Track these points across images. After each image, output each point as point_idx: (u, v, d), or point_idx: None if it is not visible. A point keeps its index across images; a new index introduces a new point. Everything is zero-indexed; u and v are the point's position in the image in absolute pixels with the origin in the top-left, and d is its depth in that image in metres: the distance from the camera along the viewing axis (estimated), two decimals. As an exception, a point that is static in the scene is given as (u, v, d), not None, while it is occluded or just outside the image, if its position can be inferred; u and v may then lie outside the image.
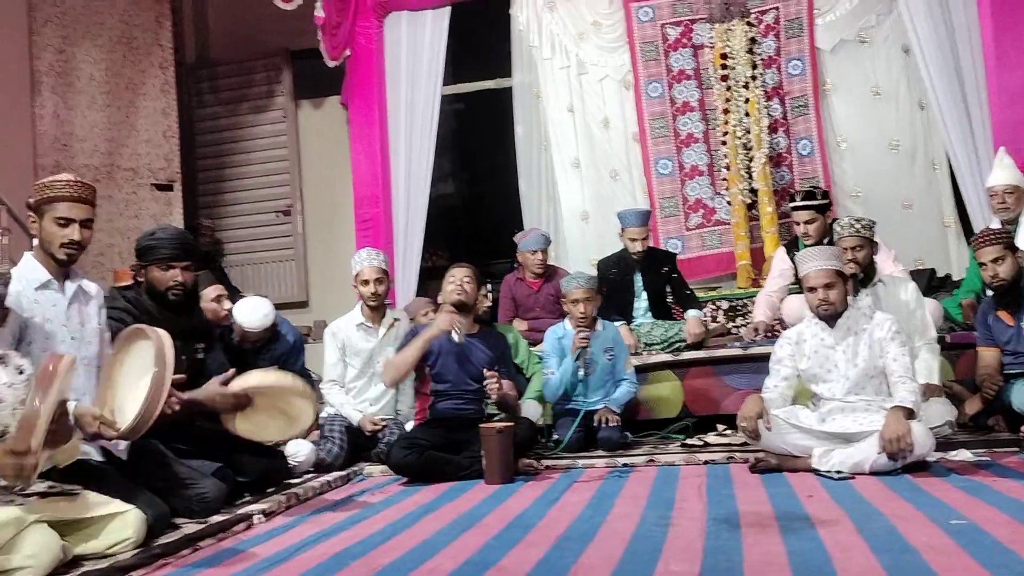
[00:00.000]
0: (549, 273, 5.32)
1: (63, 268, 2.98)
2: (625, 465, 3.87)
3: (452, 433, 3.88)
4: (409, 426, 4.33)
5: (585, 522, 2.78)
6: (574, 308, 4.29)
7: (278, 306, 6.14)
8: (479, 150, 8.20)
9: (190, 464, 3.14)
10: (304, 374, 4.43)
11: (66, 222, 2.90)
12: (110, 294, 3.37)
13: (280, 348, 4.42)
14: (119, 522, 2.55)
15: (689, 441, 4.26)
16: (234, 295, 4.63)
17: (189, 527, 2.87)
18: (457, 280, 4.03)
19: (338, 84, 6.60)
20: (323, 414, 4.52)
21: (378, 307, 4.55)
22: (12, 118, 5.81)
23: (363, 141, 6.38)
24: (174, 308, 3.27)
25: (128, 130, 6.18)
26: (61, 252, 2.91)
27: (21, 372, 2.61)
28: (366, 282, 4.48)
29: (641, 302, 5.09)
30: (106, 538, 2.53)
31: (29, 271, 2.92)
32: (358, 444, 4.40)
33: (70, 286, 2.97)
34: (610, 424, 4.13)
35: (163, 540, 2.68)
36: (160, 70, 6.32)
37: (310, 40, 6.38)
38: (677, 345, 4.79)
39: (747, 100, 5.64)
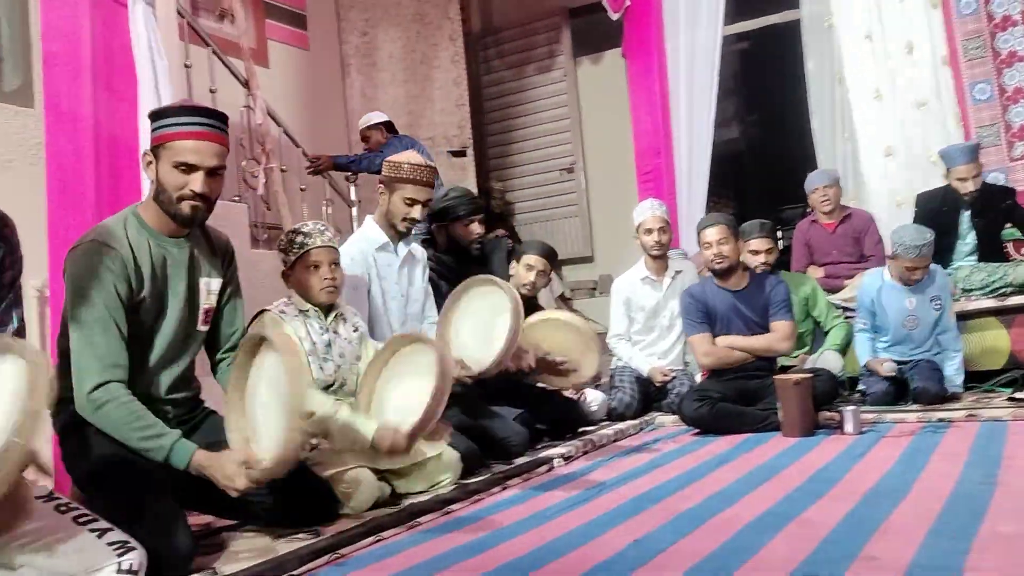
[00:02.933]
0: (847, 213, 4.97)
1: (399, 236, 3.35)
2: (940, 420, 3.56)
3: (743, 384, 3.80)
4: (698, 378, 4.28)
5: (896, 478, 2.59)
6: (909, 276, 3.98)
7: (563, 261, 6.34)
8: (765, 90, 7.83)
9: (496, 409, 3.36)
10: None
11: (412, 203, 3.26)
12: None
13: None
14: (439, 463, 2.80)
15: (1018, 395, 3.83)
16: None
17: (497, 467, 3.08)
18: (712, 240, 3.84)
19: (614, 38, 6.58)
20: (612, 365, 4.63)
21: (661, 257, 4.54)
22: (329, 99, 6.48)
23: (642, 92, 6.32)
24: (475, 260, 3.57)
25: (425, 102, 6.63)
26: (402, 225, 3.29)
27: (356, 330, 2.92)
28: (649, 231, 4.47)
29: (966, 244, 4.61)
30: (428, 479, 2.79)
31: (372, 233, 3.33)
32: (648, 394, 4.46)
33: (402, 249, 3.35)
34: None
35: (477, 478, 2.90)
36: (450, 42, 6.70)
37: (586, -4, 6.43)
38: (1003, 290, 4.30)
39: (1086, 4, 4.85)
